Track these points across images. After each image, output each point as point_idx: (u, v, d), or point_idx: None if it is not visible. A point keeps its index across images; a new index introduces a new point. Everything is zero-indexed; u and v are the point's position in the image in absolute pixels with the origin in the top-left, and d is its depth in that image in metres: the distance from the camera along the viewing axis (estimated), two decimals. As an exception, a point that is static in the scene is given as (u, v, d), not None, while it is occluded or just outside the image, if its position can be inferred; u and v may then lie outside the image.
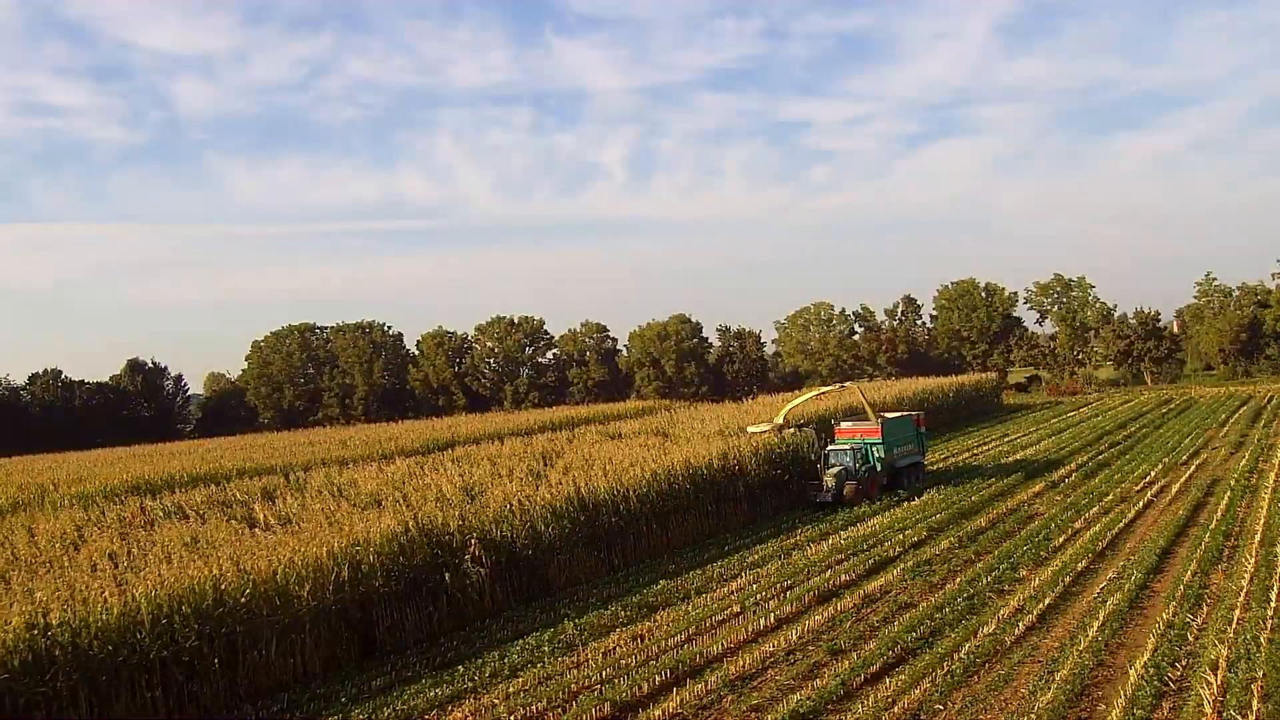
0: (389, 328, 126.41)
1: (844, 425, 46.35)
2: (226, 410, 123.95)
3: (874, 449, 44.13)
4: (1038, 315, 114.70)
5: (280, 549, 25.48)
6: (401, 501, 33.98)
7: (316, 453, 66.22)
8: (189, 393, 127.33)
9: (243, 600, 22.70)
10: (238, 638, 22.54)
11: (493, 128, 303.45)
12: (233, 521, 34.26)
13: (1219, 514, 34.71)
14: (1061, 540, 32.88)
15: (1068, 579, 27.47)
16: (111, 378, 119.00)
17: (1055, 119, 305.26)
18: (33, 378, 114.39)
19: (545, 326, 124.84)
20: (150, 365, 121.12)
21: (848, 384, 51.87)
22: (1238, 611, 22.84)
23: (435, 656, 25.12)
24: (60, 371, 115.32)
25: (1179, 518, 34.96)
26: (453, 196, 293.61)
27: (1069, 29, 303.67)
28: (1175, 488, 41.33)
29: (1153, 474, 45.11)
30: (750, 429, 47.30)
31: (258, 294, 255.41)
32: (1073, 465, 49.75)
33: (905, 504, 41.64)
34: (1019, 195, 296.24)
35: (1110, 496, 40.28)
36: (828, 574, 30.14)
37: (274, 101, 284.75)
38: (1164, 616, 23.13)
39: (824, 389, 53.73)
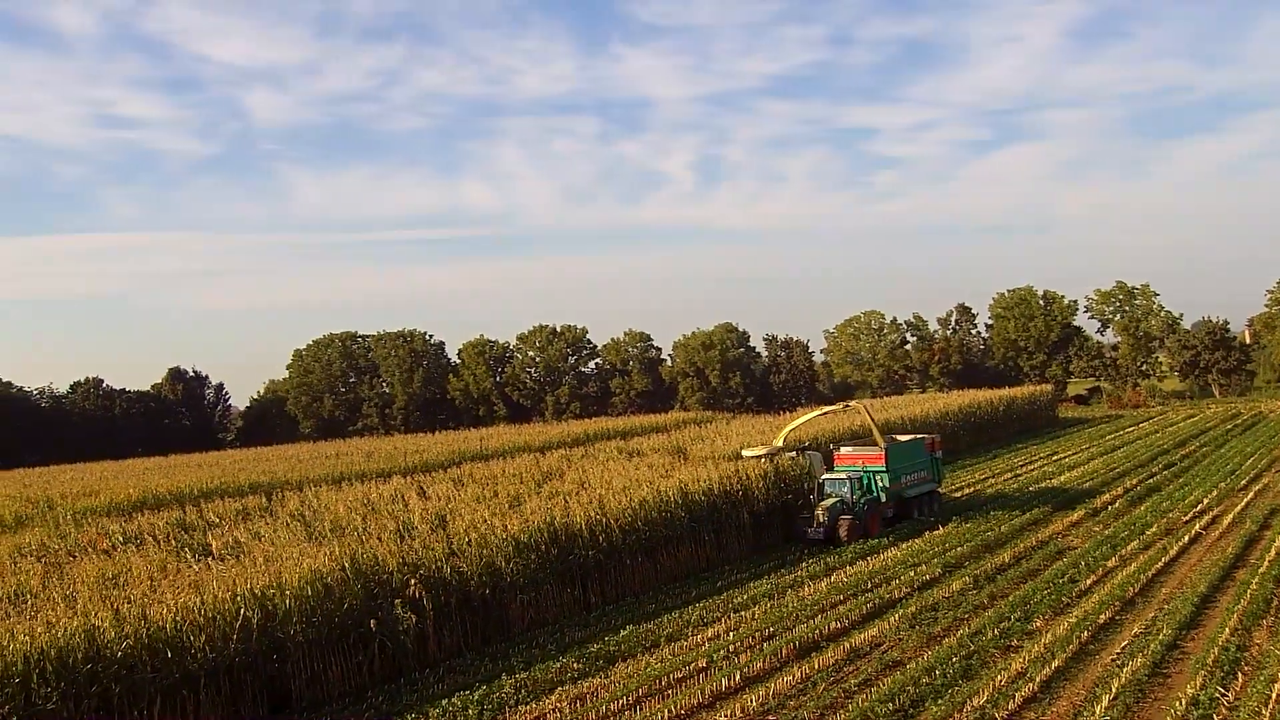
0: (430, 336, 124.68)
1: (844, 450, 42.33)
2: (267, 419, 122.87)
3: (877, 478, 40.23)
4: (1099, 324, 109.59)
5: (182, 591, 22.80)
6: (360, 531, 31.25)
7: (335, 466, 64.07)
8: (229, 402, 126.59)
9: (118, 654, 19.99)
10: (114, 698, 19.82)
11: (557, 136, 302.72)
12: (185, 551, 31.91)
13: (1272, 553, 30.76)
14: (1089, 582, 29.18)
15: (1085, 634, 23.85)
16: (152, 386, 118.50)
17: (1123, 123, 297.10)
18: (74, 386, 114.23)
19: (588, 335, 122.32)
20: (191, 374, 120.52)
21: (852, 403, 47.64)
22: (1278, 686, 19.16)
23: (354, 714, 22.29)
24: (101, 380, 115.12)
25: (1227, 556, 31.05)
26: (515, 205, 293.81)
27: (1139, 32, 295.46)
28: (1228, 518, 37.23)
29: (1206, 501, 40.99)
30: (745, 453, 43.32)
31: (316, 302, 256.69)
32: (1119, 489, 45.71)
33: (927, 534, 38.07)
34: (1084, 201, 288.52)
35: (1154, 528, 36.37)
36: (816, 620, 26.79)
37: (343, 112, 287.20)
38: (1190, 689, 19.49)
39: (827, 408, 49.27)
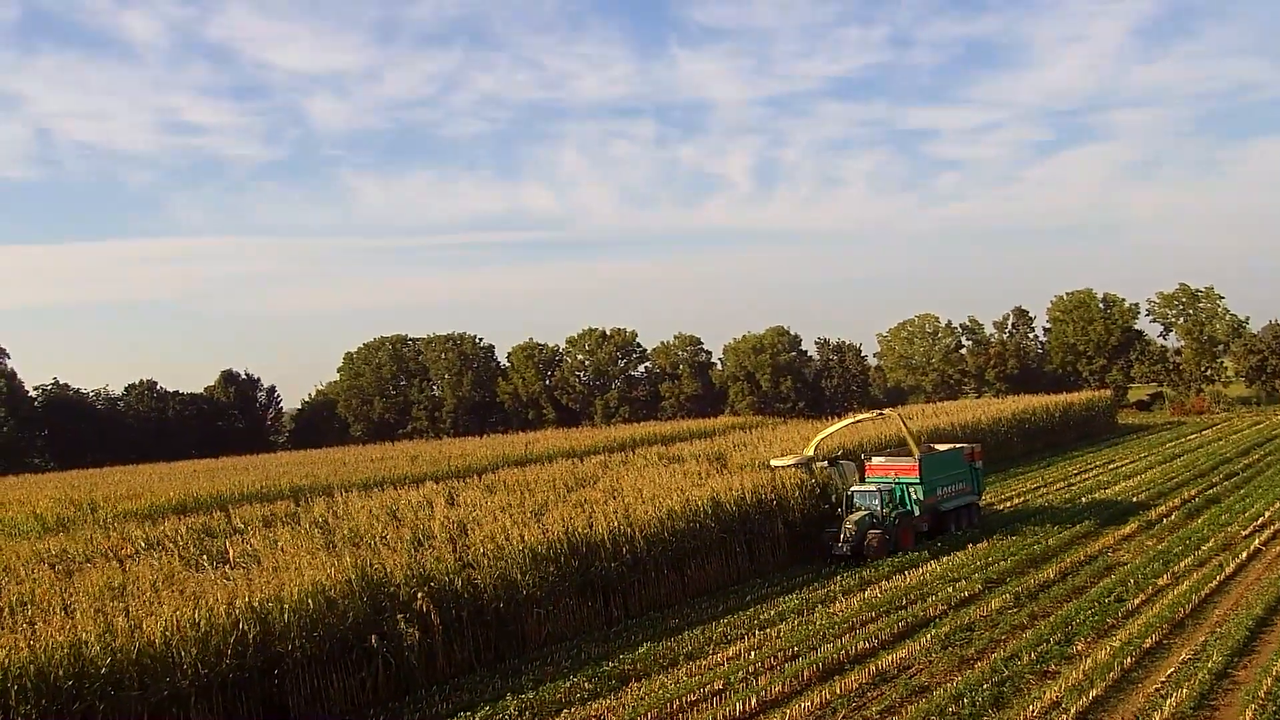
0: (480, 339, 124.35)
1: (875, 461, 40.27)
2: (319, 422, 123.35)
3: (910, 490, 38.31)
4: (1161, 328, 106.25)
5: (181, 603, 22.07)
6: (377, 540, 30.45)
7: (378, 470, 63.84)
8: (281, 404, 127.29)
9: (103, 670, 19.27)
10: (98, 715, 19.10)
11: (616, 140, 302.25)
12: (202, 559, 31.42)
13: (1337, 572, 28.91)
14: (1137, 602, 27.53)
15: (1129, 659, 22.31)
16: (205, 389, 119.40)
17: (1192, 123, 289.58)
18: (129, 388, 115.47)
19: (638, 339, 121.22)
20: (244, 377, 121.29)
21: (886, 410, 45.71)
22: (1336, 723, 17.60)
23: (353, 735, 21.47)
24: (155, 382, 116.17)
25: (1288, 575, 29.25)
26: (575, 209, 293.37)
27: (1208, 30, 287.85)
28: (1291, 534, 35.29)
29: (1268, 514, 38.93)
30: (773, 462, 41.54)
31: (377, 306, 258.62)
32: (1176, 501, 43.71)
33: (970, 547, 36.52)
34: (1151, 203, 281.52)
35: (1211, 543, 34.52)
36: (844, 639, 25.48)
37: (403, 117, 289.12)
38: (1238, 725, 18.00)
39: (860, 416, 47.43)
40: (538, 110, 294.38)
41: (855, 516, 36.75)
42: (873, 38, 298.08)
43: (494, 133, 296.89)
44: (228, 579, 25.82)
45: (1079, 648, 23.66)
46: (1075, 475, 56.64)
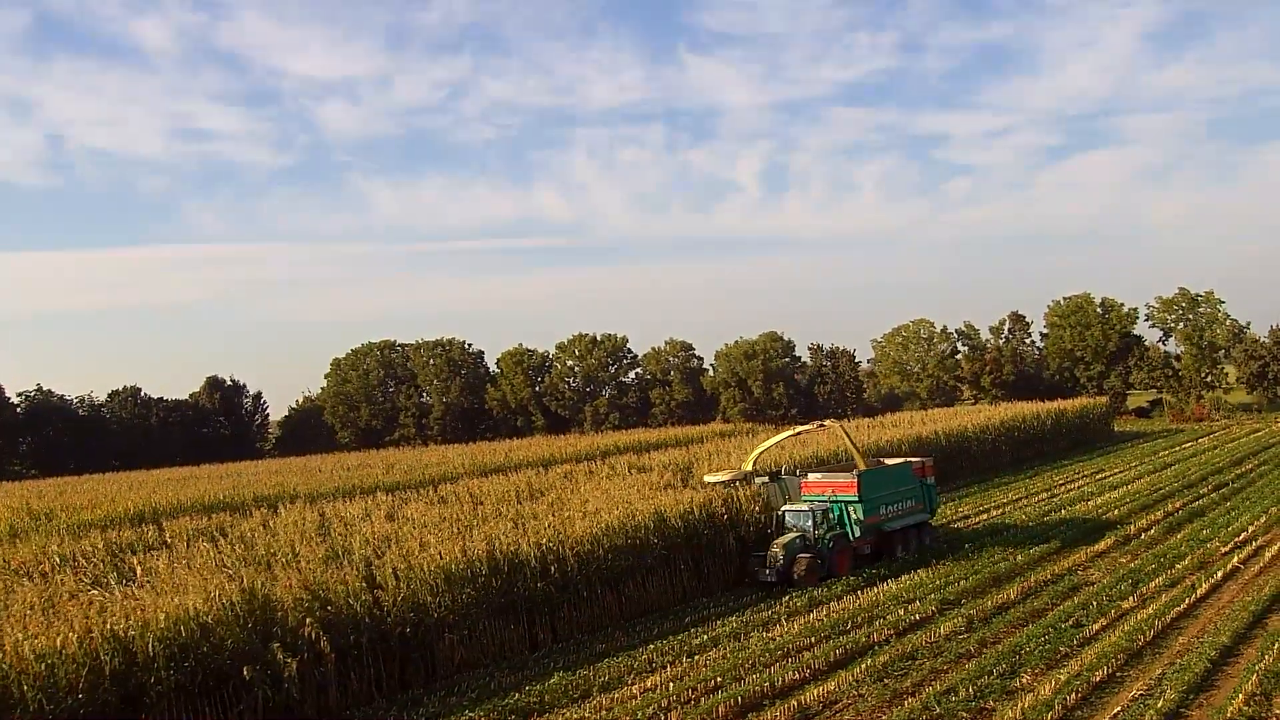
0: (470, 345, 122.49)
1: (811, 477, 36.90)
2: (306, 429, 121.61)
3: (850, 509, 35.20)
4: (1161, 333, 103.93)
5: (32, 633, 20.18)
6: (289, 558, 28.59)
7: (349, 478, 62.05)
8: (267, 411, 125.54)
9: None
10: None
11: (626, 146, 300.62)
12: (109, 578, 29.65)
13: (1315, 595, 26.85)
14: (1097, 627, 25.50)
15: (1074, 695, 20.27)
16: (190, 395, 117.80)
17: (1205, 128, 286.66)
18: (112, 394, 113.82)
19: (629, 344, 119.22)
20: (229, 383, 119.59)
21: (827, 422, 42.69)
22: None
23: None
24: (139, 389, 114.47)
25: (1262, 597, 27.19)
26: (587, 214, 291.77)
27: (1222, 35, 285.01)
28: (1272, 550, 33.13)
29: (1252, 529, 36.90)
30: (708, 478, 38.94)
31: (385, 311, 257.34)
32: (1159, 514, 41.64)
33: (934, 564, 34.54)
34: (1165, 208, 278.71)
35: (1186, 561, 32.47)
36: (775, 669, 23.51)
37: (415, 123, 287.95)
38: (1179, 777, 15.99)
39: (801, 428, 43.66)
40: (548, 116, 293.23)
41: (784, 539, 33.81)
42: (883, 43, 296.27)
43: (505, 138, 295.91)
44: (102, 602, 24.05)
45: (1024, 680, 21.64)
46: (1060, 486, 54.55)
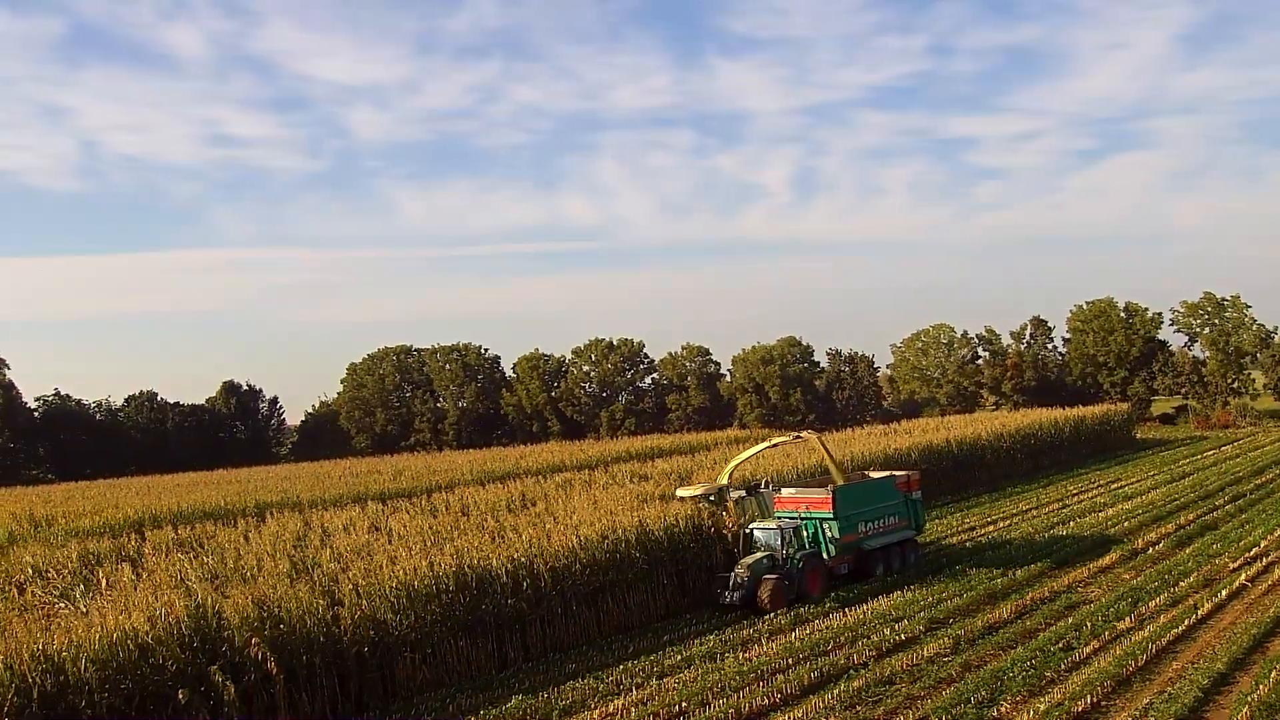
0: (485, 350, 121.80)
1: (785, 493, 35.08)
2: (322, 434, 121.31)
3: (825, 526, 33.35)
4: (1186, 338, 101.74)
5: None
6: (254, 572, 27.80)
7: (353, 486, 61.48)
8: (284, 415, 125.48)
9: None
10: None
11: (654, 150, 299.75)
12: (77, 591, 29.02)
13: (1322, 617, 25.49)
14: (1088, 650, 24.26)
15: (1053, 727, 19.12)
16: (207, 400, 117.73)
17: (1237, 130, 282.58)
18: (129, 399, 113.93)
19: (645, 349, 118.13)
20: (245, 387, 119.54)
21: (804, 433, 40.78)
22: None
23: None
24: (155, 394, 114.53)
25: (1266, 619, 25.88)
26: (611, 219, 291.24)
27: (1253, 37, 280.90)
28: (1284, 567, 31.79)
29: (1265, 543, 35.37)
30: (680, 492, 37.22)
31: (409, 316, 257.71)
32: (1171, 526, 40.26)
33: (928, 580, 33.34)
34: (1193, 211, 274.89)
35: (1192, 578, 31.13)
36: (744, 693, 22.42)
37: (443, 128, 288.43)
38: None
39: (778, 440, 41.79)
40: (576, 121, 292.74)
41: (750, 559, 31.83)
42: (912, 46, 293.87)
43: (532, 143, 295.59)
44: (65, 616, 23.35)
45: (1002, 709, 20.49)
46: (1074, 496, 53.07)
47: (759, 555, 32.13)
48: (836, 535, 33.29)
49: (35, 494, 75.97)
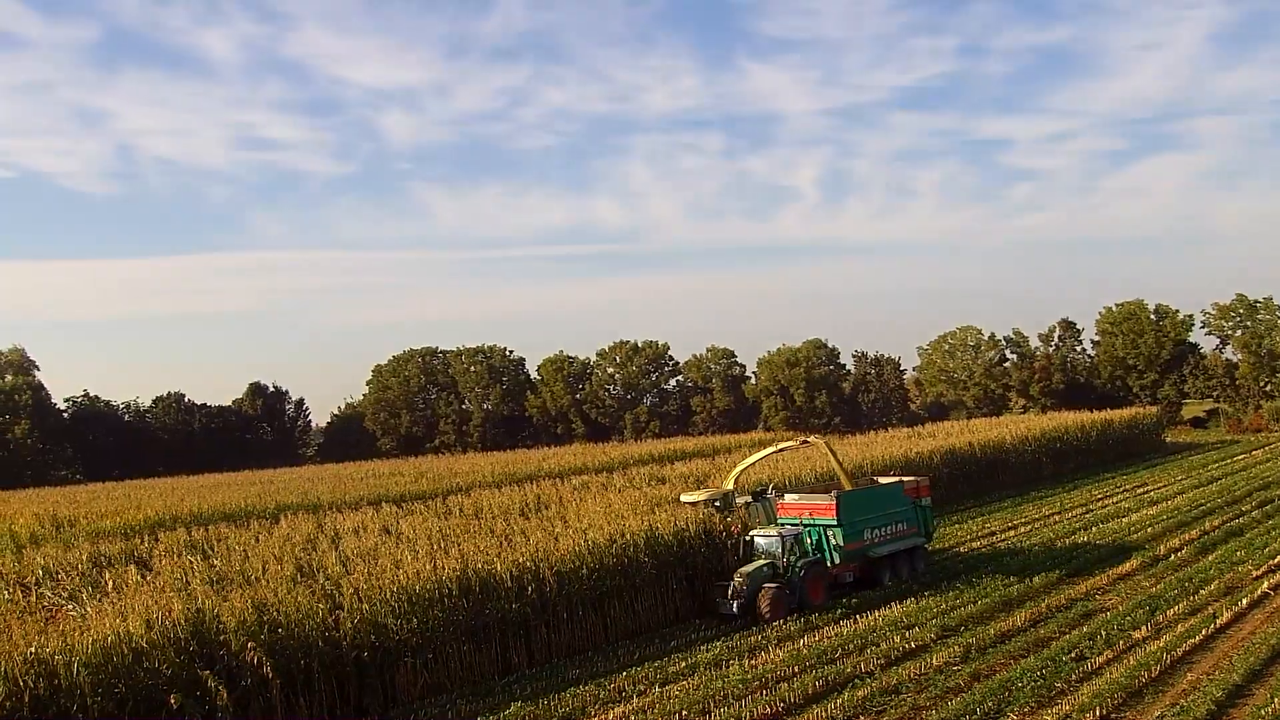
0: (510, 352, 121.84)
1: (788, 499, 34.41)
2: (348, 435, 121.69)
3: (829, 533, 32.56)
4: (1218, 341, 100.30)
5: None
6: (258, 575, 27.69)
7: (374, 488, 61.61)
8: (309, 417, 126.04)
9: None
10: None
11: (684, 152, 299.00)
12: (82, 593, 29.01)
13: (1344, 628, 24.81)
14: (1101, 660, 23.72)
15: (1058, 740, 18.63)
16: (234, 401, 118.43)
17: (1275, 131, 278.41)
18: (156, 400, 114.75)
19: (670, 351, 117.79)
20: (272, 389, 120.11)
21: (811, 438, 39.90)
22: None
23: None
24: (183, 395, 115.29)
25: (1286, 629, 25.22)
26: (644, 221, 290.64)
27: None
28: (1309, 576, 31.03)
29: (1290, 552, 34.65)
30: (684, 498, 36.59)
31: (438, 318, 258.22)
32: (1195, 532, 39.46)
33: (942, 586, 32.82)
34: (1231, 213, 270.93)
35: (1213, 585, 30.47)
36: (746, 702, 22.05)
37: (474, 131, 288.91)
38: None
39: (783, 445, 40.72)
40: (606, 123, 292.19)
41: (750, 567, 30.85)
42: (943, 47, 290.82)
43: (563, 146, 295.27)
44: (72, 617, 23.30)
45: (1009, 721, 20.01)
46: (1098, 501, 52.25)
47: (759, 563, 31.26)
48: (841, 543, 32.61)
49: (61, 494, 76.68)
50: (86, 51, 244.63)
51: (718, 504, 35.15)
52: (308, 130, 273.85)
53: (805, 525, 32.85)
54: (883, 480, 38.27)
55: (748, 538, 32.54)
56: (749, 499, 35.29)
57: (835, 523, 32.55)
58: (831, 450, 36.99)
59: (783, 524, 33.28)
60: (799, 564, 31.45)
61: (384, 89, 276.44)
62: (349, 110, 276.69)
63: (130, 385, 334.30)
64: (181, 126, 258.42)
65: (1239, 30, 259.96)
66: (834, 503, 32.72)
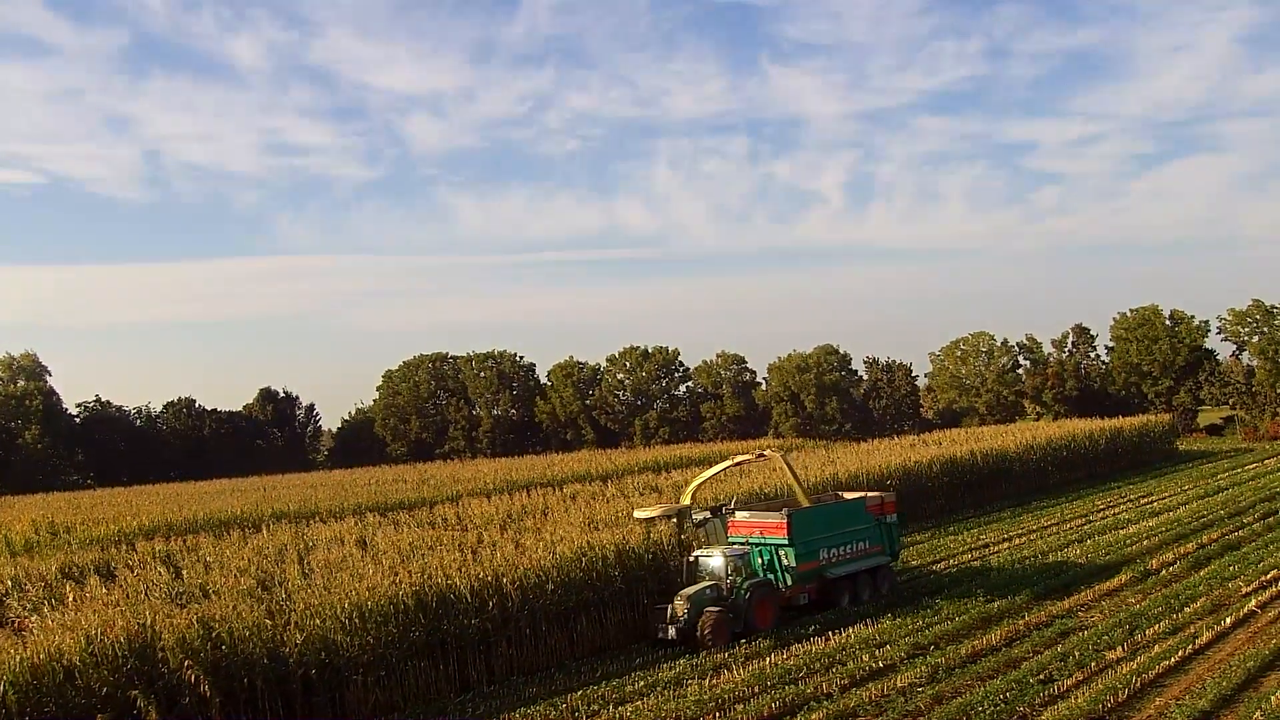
0: (520, 357, 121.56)
1: (739, 516, 32.83)
2: (358, 441, 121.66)
3: (781, 553, 31.05)
4: (1234, 347, 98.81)
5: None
6: (216, 590, 27.26)
7: (373, 495, 61.49)
8: (320, 423, 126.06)
9: None
10: None
11: (709, 157, 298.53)
12: (46, 605, 28.75)
13: (1325, 649, 23.93)
14: (1070, 682, 22.92)
15: (1008, 770, 17.90)
16: (244, 407, 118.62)
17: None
18: (167, 405, 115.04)
19: (680, 357, 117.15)
20: (282, 394, 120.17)
21: (767, 451, 38.27)
22: None
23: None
24: (193, 400, 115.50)
25: (1267, 650, 24.42)
26: (669, 226, 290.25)
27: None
28: (1299, 593, 30.11)
29: (1284, 566, 33.70)
30: (638, 514, 34.95)
31: (456, 323, 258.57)
32: (1191, 545, 38.49)
33: (922, 602, 32.05)
34: (1261, 217, 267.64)
35: (1200, 602, 29.61)
36: (696, 725, 21.40)
37: (499, 136, 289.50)
38: None
39: (740, 458, 37.96)
40: (631, 127, 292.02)
41: (691, 590, 29.11)
42: (969, 50, 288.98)
43: (588, 150, 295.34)
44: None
45: (961, 748, 19.28)
46: (1099, 512, 51.26)
47: (702, 585, 29.55)
48: (793, 563, 31.18)
49: (64, 500, 76.91)
50: (115, 58, 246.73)
51: (673, 519, 33.84)
52: (335, 135, 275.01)
53: (755, 545, 31.56)
54: (846, 496, 37.03)
55: (691, 558, 31.09)
56: (707, 515, 33.80)
57: (787, 542, 31.15)
58: (788, 464, 35.73)
59: (731, 542, 31.98)
60: (745, 586, 29.74)
61: (410, 94, 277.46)
62: (375, 115, 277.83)
63: (142, 390, 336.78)
64: (209, 132, 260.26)
65: (1269, 32, 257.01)
66: (785, 521, 31.31)
